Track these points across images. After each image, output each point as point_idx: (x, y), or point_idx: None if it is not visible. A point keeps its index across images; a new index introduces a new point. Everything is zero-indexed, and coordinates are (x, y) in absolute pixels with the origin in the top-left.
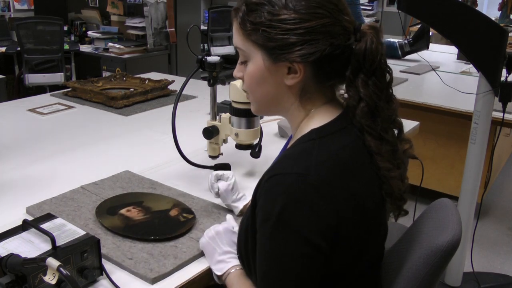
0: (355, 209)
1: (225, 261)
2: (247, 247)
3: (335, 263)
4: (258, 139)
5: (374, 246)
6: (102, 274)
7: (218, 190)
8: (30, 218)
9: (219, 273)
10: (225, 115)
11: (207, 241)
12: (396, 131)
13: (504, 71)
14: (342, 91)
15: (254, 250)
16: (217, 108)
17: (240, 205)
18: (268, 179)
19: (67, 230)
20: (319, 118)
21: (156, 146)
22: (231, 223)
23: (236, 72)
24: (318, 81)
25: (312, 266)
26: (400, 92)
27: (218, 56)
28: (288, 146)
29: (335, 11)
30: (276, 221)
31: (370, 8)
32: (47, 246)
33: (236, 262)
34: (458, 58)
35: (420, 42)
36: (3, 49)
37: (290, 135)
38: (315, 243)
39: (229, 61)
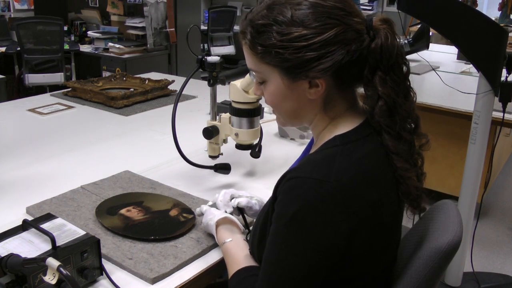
0: (372, 218)
1: (207, 216)
2: (261, 243)
3: (347, 268)
4: (258, 139)
5: (387, 252)
6: (102, 274)
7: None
8: (30, 218)
9: (208, 222)
10: (225, 115)
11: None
12: (413, 126)
13: (504, 71)
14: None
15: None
16: (217, 108)
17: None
18: (289, 179)
19: (67, 230)
20: (343, 125)
21: (156, 146)
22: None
23: (256, 90)
24: (341, 89)
25: (316, 270)
26: None
27: (218, 56)
28: (311, 151)
29: (344, 16)
30: (290, 221)
31: (370, 8)
32: (47, 246)
33: (218, 215)
34: (458, 58)
35: (420, 42)
36: (3, 49)
37: (311, 139)
38: (323, 250)
39: (229, 61)
